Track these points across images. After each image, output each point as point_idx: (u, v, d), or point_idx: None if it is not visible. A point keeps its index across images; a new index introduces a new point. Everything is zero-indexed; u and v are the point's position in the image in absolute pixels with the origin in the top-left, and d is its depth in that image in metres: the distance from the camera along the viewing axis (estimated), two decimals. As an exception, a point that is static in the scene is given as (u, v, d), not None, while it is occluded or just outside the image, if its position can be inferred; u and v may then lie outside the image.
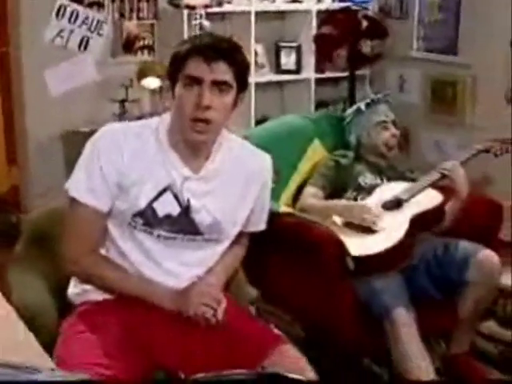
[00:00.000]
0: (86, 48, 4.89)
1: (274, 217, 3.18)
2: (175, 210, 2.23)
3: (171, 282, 2.28)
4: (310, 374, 2.18)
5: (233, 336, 2.22)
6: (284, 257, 3.20)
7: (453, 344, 3.26)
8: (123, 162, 2.18)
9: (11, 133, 5.34)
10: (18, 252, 2.56)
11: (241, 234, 2.49)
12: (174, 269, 2.29)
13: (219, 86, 2.14)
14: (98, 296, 2.29)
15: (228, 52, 2.15)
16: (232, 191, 2.33)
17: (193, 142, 2.19)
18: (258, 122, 5.12)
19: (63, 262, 2.27)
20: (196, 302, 2.20)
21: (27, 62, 4.81)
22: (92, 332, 2.17)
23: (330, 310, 3.02)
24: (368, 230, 3.16)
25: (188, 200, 2.23)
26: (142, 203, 2.20)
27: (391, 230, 3.15)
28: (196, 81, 2.12)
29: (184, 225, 2.25)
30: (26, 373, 1.63)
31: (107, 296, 2.29)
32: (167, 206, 2.22)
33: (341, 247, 2.97)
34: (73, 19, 4.80)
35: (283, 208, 3.36)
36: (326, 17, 5.14)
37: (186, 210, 2.24)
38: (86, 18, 4.85)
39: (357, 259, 2.99)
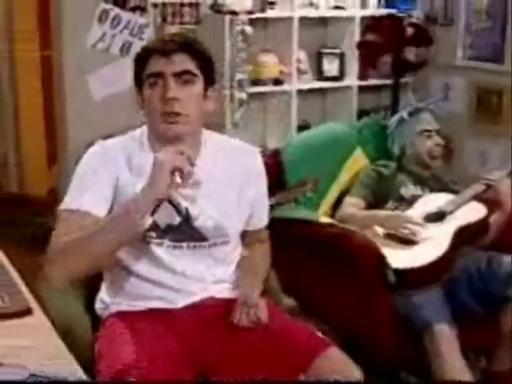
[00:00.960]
0: (128, 53, 4.88)
1: (313, 226, 3.19)
2: (175, 219, 2.22)
3: (196, 288, 2.29)
4: (359, 376, 2.17)
5: (279, 340, 2.20)
6: (322, 267, 3.18)
7: (494, 361, 3.19)
8: (118, 178, 2.19)
9: (52, 136, 5.38)
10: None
11: (256, 233, 2.50)
12: (195, 274, 2.28)
13: (182, 76, 2.15)
14: (123, 307, 2.29)
15: (185, 44, 2.18)
16: (229, 191, 2.31)
17: (168, 137, 2.16)
18: (300, 129, 5.10)
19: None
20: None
21: (69, 66, 4.80)
22: (129, 334, 2.17)
23: (368, 322, 3.00)
24: (410, 242, 3.12)
25: (186, 208, 2.22)
26: (145, 218, 2.10)
27: (434, 243, 3.11)
28: (158, 76, 2.14)
29: (187, 233, 2.24)
30: None
31: (134, 308, 2.28)
32: (167, 217, 2.20)
33: (381, 259, 2.94)
34: (115, 24, 4.80)
35: (322, 218, 3.32)
36: (370, 23, 5.08)
37: (186, 217, 2.23)
38: (129, 22, 4.85)
39: (397, 272, 2.96)
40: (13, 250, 2.52)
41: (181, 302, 2.29)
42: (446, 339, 2.85)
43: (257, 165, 2.43)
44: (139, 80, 2.21)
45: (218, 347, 2.21)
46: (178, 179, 1.98)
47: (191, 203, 2.22)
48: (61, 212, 2.16)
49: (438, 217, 3.24)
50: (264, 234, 2.57)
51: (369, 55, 5.00)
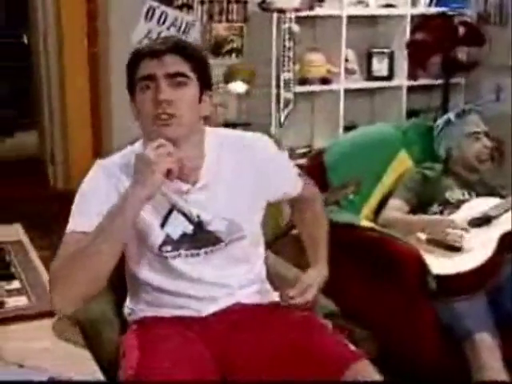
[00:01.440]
0: (174, 50, 4.89)
1: (354, 230, 3.13)
2: (188, 228, 2.14)
3: (220, 293, 2.24)
4: None
5: (309, 350, 2.11)
6: (363, 271, 3.14)
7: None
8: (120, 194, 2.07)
9: (99, 134, 5.41)
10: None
11: (297, 199, 2.45)
12: (216, 279, 2.22)
13: (175, 78, 2.04)
14: (149, 313, 2.25)
15: (177, 45, 2.09)
16: (239, 187, 2.19)
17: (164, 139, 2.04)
18: (347, 130, 5.06)
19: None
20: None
21: (116, 63, 4.83)
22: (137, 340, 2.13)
23: (408, 329, 2.94)
24: (453, 248, 3.05)
25: (198, 215, 2.14)
26: (157, 232, 2.11)
27: (478, 249, 3.03)
28: (150, 79, 2.03)
29: (203, 239, 2.15)
30: None
31: (159, 314, 2.24)
32: (179, 227, 2.13)
33: (422, 265, 2.89)
34: (162, 21, 4.80)
35: (364, 222, 3.26)
36: (420, 22, 5.03)
37: (198, 224, 2.15)
38: (175, 19, 4.83)
39: (440, 278, 2.90)
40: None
41: (205, 310, 2.23)
42: (487, 349, 2.78)
43: (266, 152, 2.29)
44: (132, 87, 2.10)
45: (244, 354, 2.15)
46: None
47: (202, 209, 2.14)
48: (64, 236, 2.05)
49: (483, 221, 3.17)
50: (307, 194, 2.47)
51: (418, 55, 4.95)
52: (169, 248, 2.14)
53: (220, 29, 5.05)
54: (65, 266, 1.95)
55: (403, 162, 3.60)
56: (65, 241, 2.02)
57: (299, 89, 4.98)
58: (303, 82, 5.06)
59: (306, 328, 2.22)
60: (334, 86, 5.15)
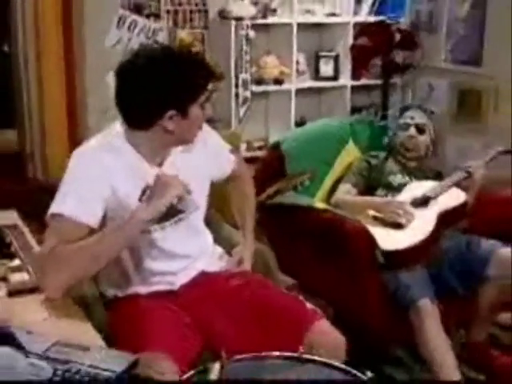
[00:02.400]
0: (143, 54, 4.87)
1: (309, 211, 3.15)
2: None
3: (189, 262, 2.27)
4: (344, 348, 2.14)
5: (272, 312, 2.17)
6: (318, 248, 3.13)
7: (472, 333, 3.17)
8: (110, 176, 2.05)
9: (75, 129, 5.34)
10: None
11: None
12: (183, 250, 2.25)
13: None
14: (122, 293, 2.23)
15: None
16: (194, 170, 2.21)
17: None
18: (298, 125, 5.09)
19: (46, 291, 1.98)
20: None
21: (91, 67, 4.82)
22: (144, 315, 2.11)
23: (359, 299, 2.95)
24: (397, 225, 3.08)
25: None
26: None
27: (419, 226, 3.07)
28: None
29: (168, 212, 2.06)
30: (79, 350, 1.63)
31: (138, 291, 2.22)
32: None
33: (371, 241, 2.90)
34: (132, 28, 4.78)
35: (318, 204, 3.28)
36: (361, 29, 5.04)
37: None
38: (144, 26, 4.81)
39: (386, 253, 2.93)
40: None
41: (178, 282, 2.24)
42: (429, 314, 2.81)
43: (207, 134, 2.31)
44: (186, 103, 2.06)
45: (217, 318, 2.18)
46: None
47: None
48: (52, 217, 1.99)
49: (422, 202, 3.20)
50: (238, 170, 2.54)
51: (361, 58, 4.97)
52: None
53: (184, 34, 5.03)
54: (61, 260, 1.93)
55: (351, 152, 3.61)
56: (58, 226, 1.98)
57: (255, 88, 5.00)
58: (259, 82, 5.07)
59: (268, 287, 2.28)
60: (286, 86, 5.17)
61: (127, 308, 2.17)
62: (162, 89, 2.00)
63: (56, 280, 1.92)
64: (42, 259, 1.96)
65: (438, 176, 3.47)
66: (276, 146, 3.59)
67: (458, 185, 3.30)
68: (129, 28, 4.78)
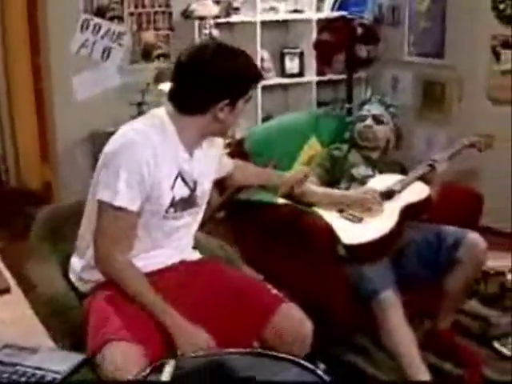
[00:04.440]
0: (108, 57, 4.84)
1: (270, 207, 3.12)
2: (186, 192, 2.28)
3: (178, 256, 2.38)
4: (311, 329, 2.25)
5: (237, 297, 2.26)
6: (281, 243, 3.10)
7: (438, 321, 3.15)
8: (156, 163, 2.17)
9: (44, 133, 5.30)
10: (32, 247, 2.52)
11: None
12: (186, 239, 2.42)
13: None
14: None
15: None
16: (209, 160, 2.41)
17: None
18: (264, 121, 5.06)
19: (97, 263, 2.20)
20: None
21: (56, 71, 4.77)
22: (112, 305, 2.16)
23: (323, 292, 2.92)
24: (361, 219, 3.06)
25: (195, 181, 2.30)
26: (169, 194, 2.22)
27: (383, 220, 3.05)
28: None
29: (189, 203, 2.31)
30: (27, 353, 1.61)
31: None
32: (180, 191, 2.26)
33: (332, 235, 2.88)
34: (96, 31, 4.75)
35: (280, 199, 3.22)
36: (324, 25, 5.03)
37: (193, 190, 2.31)
38: (108, 30, 4.80)
39: (349, 247, 2.90)
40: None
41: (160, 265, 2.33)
42: (391, 306, 2.78)
43: (219, 146, 2.54)
44: (237, 96, 2.23)
45: (190, 305, 2.22)
46: None
47: (197, 176, 2.32)
48: (106, 204, 2.15)
49: (386, 195, 3.17)
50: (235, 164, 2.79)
51: (324, 53, 4.96)
52: (171, 210, 2.25)
53: (148, 36, 4.99)
54: (123, 280, 2.17)
55: (313, 147, 3.59)
56: (116, 218, 2.15)
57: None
58: (224, 81, 5.03)
59: (234, 278, 2.39)
60: (252, 84, 5.13)
61: (107, 291, 2.21)
62: (224, 79, 2.19)
63: (112, 274, 2.18)
64: (116, 265, 2.17)
65: (402, 169, 3.45)
66: (240, 143, 3.58)
67: (422, 178, 3.27)
68: (93, 32, 4.75)
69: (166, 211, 2.24)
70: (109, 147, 2.20)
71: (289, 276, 3.05)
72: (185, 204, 2.29)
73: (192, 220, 2.39)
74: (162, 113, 2.28)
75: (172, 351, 2.05)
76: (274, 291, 2.31)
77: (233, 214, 3.37)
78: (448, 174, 3.34)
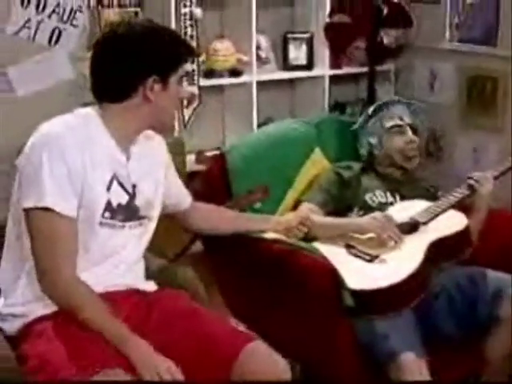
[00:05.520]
0: (57, 41, 4.87)
1: (257, 242, 3.16)
2: (124, 198, 2.58)
3: (123, 269, 2.63)
4: (285, 367, 2.52)
5: (204, 339, 2.51)
6: (272, 288, 3.16)
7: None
8: (83, 159, 2.43)
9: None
10: None
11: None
12: (125, 256, 2.64)
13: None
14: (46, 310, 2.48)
15: None
16: (152, 171, 2.71)
17: (168, 129, 2.79)
18: (262, 126, 5.04)
19: (43, 280, 2.43)
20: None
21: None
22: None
23: (324, 352, 2.98)
24: (375, 257, 3.10)
25: (134, 185, 2.60)
26: (103, 195, 2.50)
27: (404, 259, 3.09)
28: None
29: (130, 211, 2.61)
30: None
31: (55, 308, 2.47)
32: (117, 195, 2.55)
33: (335, 278, 2.91)
34: (41, 7, 4.77)
35: (270, 233, 3.26)
36: (338, 2, 5.03)
37: (132, 196, 2.61)
38: (57, 5, 4.81)
39: (358, 294, 2.93)
40: None
41: (111, 286, 2.58)
42: (414, 371, 2.83)
43: (165, 152, 2.88)
44: (167, 74, 2.55)
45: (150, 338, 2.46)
46: None
47: (137, 179, 2.61)
48: (35, 210, 2.38)
49: (410, 228, 3.23)
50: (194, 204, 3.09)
51: (338, 40, 4.98)
52: (108, 215, 2.52)
53: (111, 15, 5.03)
54: (77, 300, 2.42)
55: (318, 162, 3.66)
56: (54, 222, 2.38)
57: (205, 82, 4.98)
58: (209, 74, 5.06)
59: (197, 315, 2.62)
60: (245, 78, 5.14)
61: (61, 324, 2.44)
62: (145, 53, 2.52)
63: (58, 292, 2.43)
64: (62, 282, 2.41)
65: (432, 191, 3.49)
66: (220, 157, 3.62)
67: (458, 204, 3.31)
68: (37, 8, 4.78)
69: (102, 215, 2.50)
70: (23, 152, 2.45)
71: (278, 328, 3.11)
72: (125, 212, 2.58)
73: (137, 236, 2.68)
74: (86, 110, 2.59)
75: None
76: (241, 329, 2.66)
77: (210, 247, 3.41)
78: (494, 199, 3.37)
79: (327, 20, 5.09)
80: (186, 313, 2.64)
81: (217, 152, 5.18)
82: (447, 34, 5.17)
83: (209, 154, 5.15)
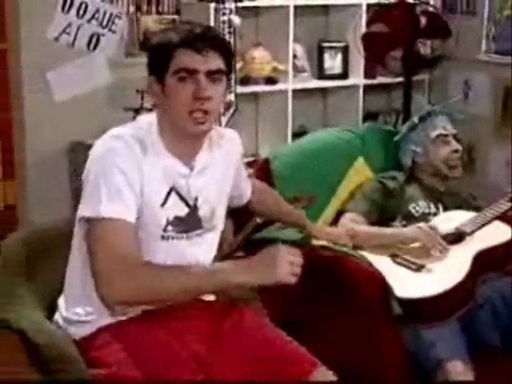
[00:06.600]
0: (96, 47, 4.90)
1: (303, 249, 3.16)
2: (183, 210, 2.47)
3: None
4: None
5: (268, 356, 2.47)
6: (317, 295, 3.15)
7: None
8: (142, 172, 2.35)
9: (8, 145, 5.33)
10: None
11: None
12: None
13: (213, 75, 2.36)
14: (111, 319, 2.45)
15: (217, 40, 2.41)
16: (219, 177, 2.60)
17: (194, 134, 2.43)
18: (296, 135, 5.10)
19: (106, 294, 2.29)
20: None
21: (27, 62, 4.79)
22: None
23: (370, 360, 2.98)
24: (421, 267, 3.12)
25: (196, 198, 2.49)
26: (159, 211, 2.40)
27: (450, 269, 3.11)
28: (190, 72, 2.34)
29: (192, 222, 2.51)
30: None
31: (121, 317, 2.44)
32: (174, 208, 2.44)
33: (384, 287, 2.93)
34: (81, 13, 4.81)
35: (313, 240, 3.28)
36: (376, 11, 5.05)
37: (194, 208, 2.50)
38: (97, 11, 4.85)
39: (406, 302, 2.94)
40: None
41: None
42: (460, 379, 2.84)
43: (238, 149, 2.76)
44: (162, 70, 2.37)
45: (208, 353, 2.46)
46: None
47: (199, 193, 2.50)
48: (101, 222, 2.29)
49: (455, 238, 3.24)
50: (258, 188, 3.05)
51: (375, 49, 4.95)
52: (170, 228, 2.44)
53: (149, 21, 5.07)
54: (153, 276, 2.28)
55: (361, 172, 3.68)
56: (110, 229, 2.28)
57: (241, 89, 5.02)
58: (246, 81, 5.11)
59: (264, 331, 2.60)
60: (280, 86, 5.20)
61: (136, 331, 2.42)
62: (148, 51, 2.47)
63: (128, 291, 2.25)
64: (129, 265, 2.25)
65: (473, 202, 3.51)
66: (265, 164, 3.63)
67: (501, 216, 3.33)
68: (77, 13, 4.81)
69: (164, 229, 2.43)
70: (87, 162, 2.38)
71: (323, 337, 3.10)
72: (184, 224, 2.47)
73: (201, 246, 2.57)
74: (148, 119, 2.48)
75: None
76: (307, 354, 2.52)
77: (254, 252, 3.42)
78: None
79: (365, 29, 5.11)
80: (254, 328, 2.59)
81: (251, 159, 5.25)
82: (483, 45, 5.20)
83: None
